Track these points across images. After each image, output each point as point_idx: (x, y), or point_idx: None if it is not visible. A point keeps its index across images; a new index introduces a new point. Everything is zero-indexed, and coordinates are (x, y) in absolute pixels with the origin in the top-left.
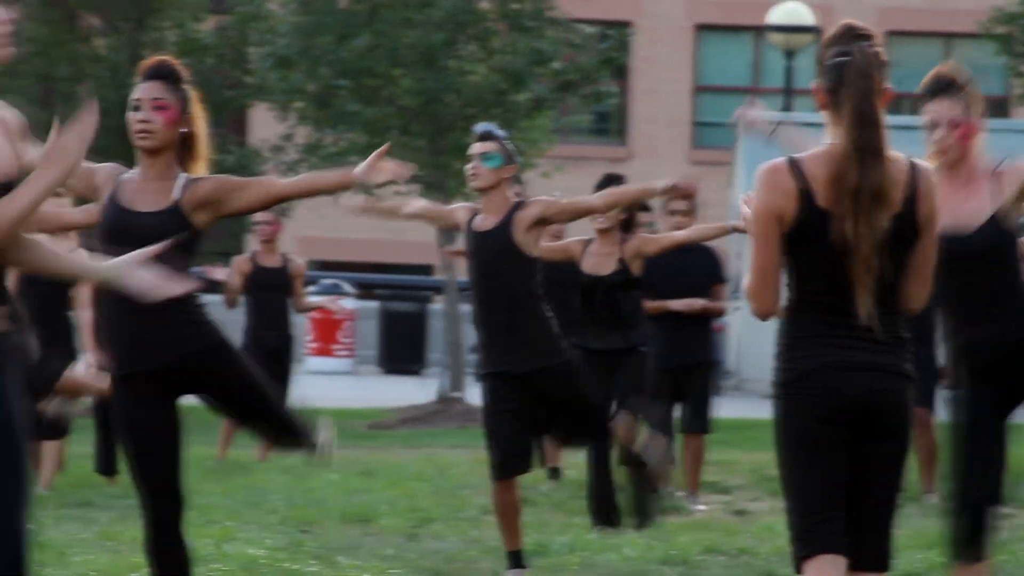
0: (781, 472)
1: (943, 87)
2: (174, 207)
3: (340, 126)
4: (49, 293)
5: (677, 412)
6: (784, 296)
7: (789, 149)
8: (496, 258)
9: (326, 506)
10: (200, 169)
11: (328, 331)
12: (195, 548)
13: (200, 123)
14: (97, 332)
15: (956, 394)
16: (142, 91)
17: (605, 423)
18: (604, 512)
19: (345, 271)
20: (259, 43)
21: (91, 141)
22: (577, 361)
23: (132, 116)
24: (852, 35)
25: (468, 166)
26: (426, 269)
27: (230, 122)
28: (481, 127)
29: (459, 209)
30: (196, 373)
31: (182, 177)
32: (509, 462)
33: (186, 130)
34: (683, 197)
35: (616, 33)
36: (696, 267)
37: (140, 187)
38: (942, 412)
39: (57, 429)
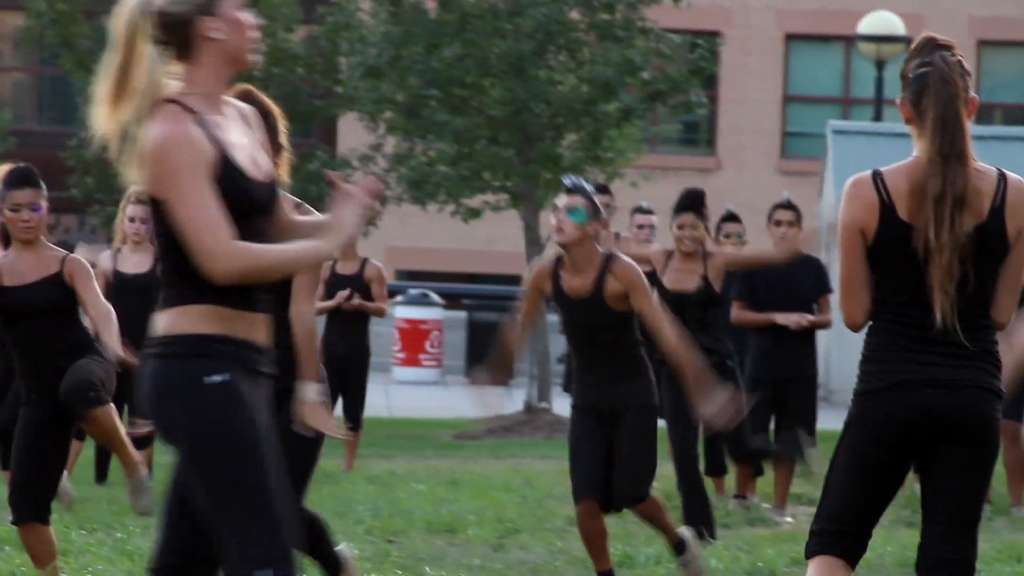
0: (829, 467)
1: None
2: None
3: (429, 136)
4: (134, 302)
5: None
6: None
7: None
8: (593, 324)
9: (412, 516)
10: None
11: (415, 341)
12: None
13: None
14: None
15: None
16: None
17: (644, 482)
18: (697, 521)
19: (433, 281)
20: (349, 53)
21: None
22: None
23: (247, 17)
24: (933, 46)
25: (553, 219)
26: (514, 279)
27: (319, 132)
28: (569, 180)
29: (536, 276)
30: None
31: None
32: (584, 487)
33: None
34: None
35: (706, 43)
36: (801, 278)
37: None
38: None
39: (143, 439)
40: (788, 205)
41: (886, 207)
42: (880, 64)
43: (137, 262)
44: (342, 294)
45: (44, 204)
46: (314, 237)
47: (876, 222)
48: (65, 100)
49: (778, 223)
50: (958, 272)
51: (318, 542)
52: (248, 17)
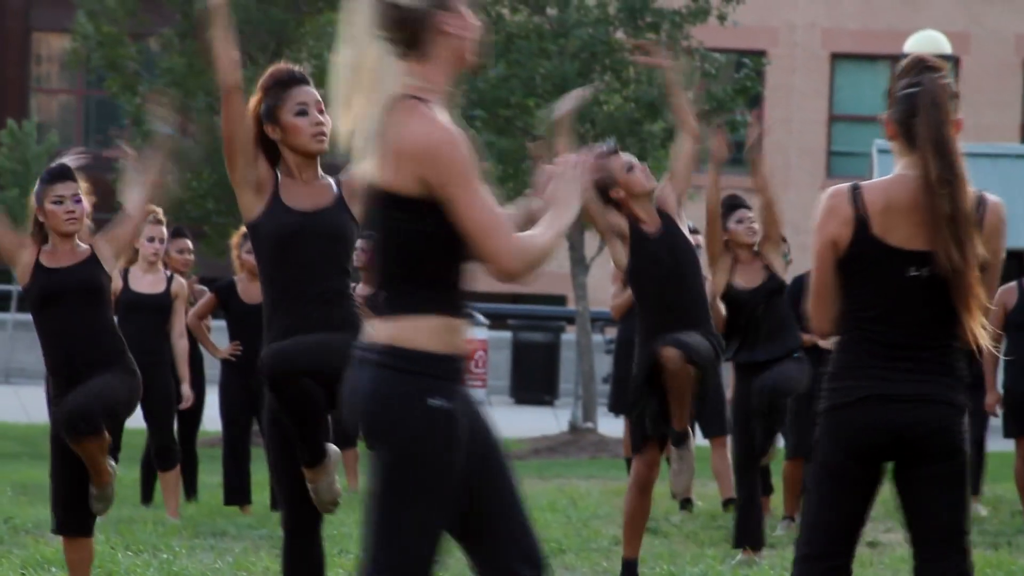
0: (804, 490)
1: None
2: (340, 201)
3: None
4: (146, 322)
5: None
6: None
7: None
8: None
9: None
10: None
11: None
12: None
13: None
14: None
15: None
16: (309, 95)
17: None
18: (748, 535)
19: (477, 301)
20: None
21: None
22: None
23: (304, 120)
24: (922, 67)
25: (639, 174)
26: (559, 299)
27: None
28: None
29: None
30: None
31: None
32: (640, 435)
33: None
34: None
35: (751, 62)
36: None
37: (301, 189)
38: None
39: (171, 459)
40: None
41: (860, 222)
42: None
43: (151, 282)
44: None
45: (84, 198)
46: (532, 223)
47: (849, 236)
48: (111, 122)
49: None
50: (984, 292)
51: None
52: (473, 15)
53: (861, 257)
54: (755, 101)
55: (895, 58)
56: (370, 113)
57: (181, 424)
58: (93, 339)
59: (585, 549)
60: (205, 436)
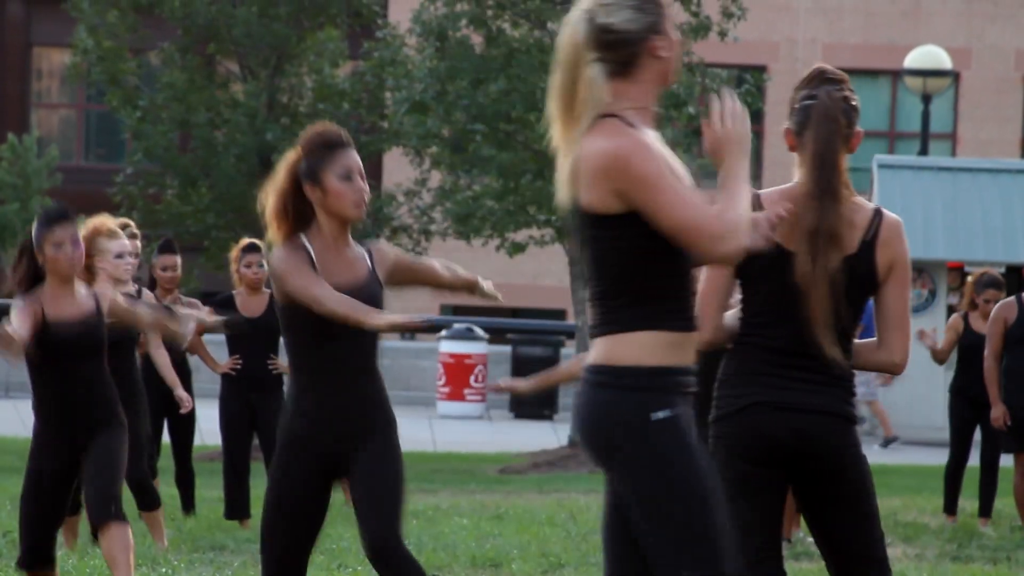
0: None
1: None
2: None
3: (474, 170)
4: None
5: None
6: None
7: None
8: None
9: (456, 551)
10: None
11: (460, 375)
12: None
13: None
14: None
15: None
16: (354, 161)
17: None
18: None
19: (477, 316)
20: (395, 88)
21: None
22: None
23: (349, 186)
24: (822, 79)
25: None
26: (558, 314)
27: (365, 166)
28: None
29: None
30: None
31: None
32: None
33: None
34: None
35: (752, 77)
36: None
37: (337, 259)
38: None
39: (152, 498)
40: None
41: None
42: (926, 98)
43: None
44: None
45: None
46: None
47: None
48: (112, 137)
49: (987, 301)
50: (834, 305)
51: None
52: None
53: (758, 261)
54: (756, 117)
55: (896, 73)
56: (577, 134)
57: (175, 441)
58: (92, 395)
59: (584, 564)
60: (205, 450)
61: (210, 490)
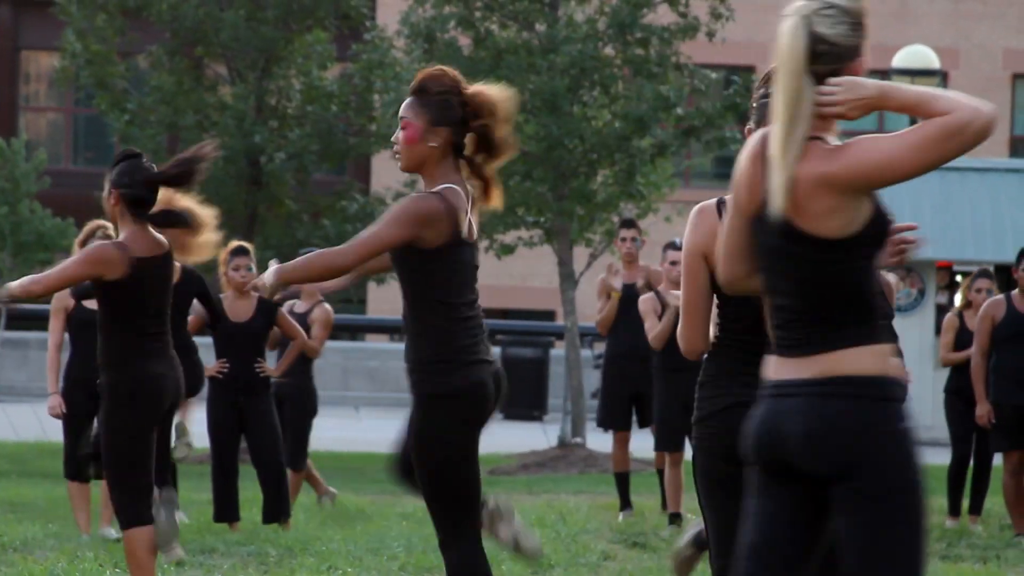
0: (701, 509)
1: None
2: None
3: None
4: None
5: None
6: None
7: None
8: None
9: None
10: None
11: None
12: None
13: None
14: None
15: None
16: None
17: None
18: None
19: None
20: (383, 90)
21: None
22: None
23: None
24: None
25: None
26: (548, 315)
27: (354, 169)
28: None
29: None
30: None
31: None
32: None
33: (435, 144)
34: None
35: (741, 78)
36: None
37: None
38: None
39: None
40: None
41: None
42: None
43: None
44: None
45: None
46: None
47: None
48: (100, 140)
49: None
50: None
51: None
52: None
53: None
54: (744, 117)
55: (884, 73)
56: (794, 149)
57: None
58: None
59: (574, 564)
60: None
61: (200, 493)
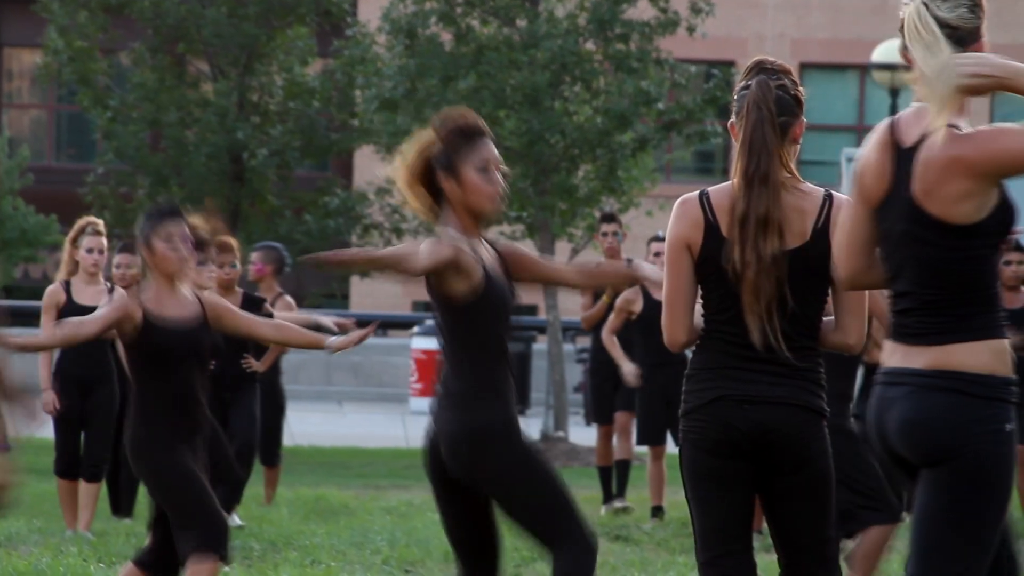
0: (688, 502)
1: None
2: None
3: None
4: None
5: None
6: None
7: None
8: None
9: (429, 546)
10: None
11: (432, 372)
12: None
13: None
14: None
15: None
16: (493, 154)
17: None
18: None
19: None
20: (365, 86)
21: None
22: None
23: (486, 178)
24: (759, 69)
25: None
26: (530, 309)
27: (335, 165)
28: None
29: None
30: None
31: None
32: None
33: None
34: None
35: (721, 72)
36: None
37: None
38: None
39: (98, 473)
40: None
41: (710, 224)
42: (894, 92)
43: (93, 294)
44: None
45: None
46: None
47: (701, 239)
48: (83, 136)
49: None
50: (769, 292)
51: None
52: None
53: (713, 258)
54: (725, 111)
55: (864, 68)
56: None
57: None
58: None
59: None
60: None
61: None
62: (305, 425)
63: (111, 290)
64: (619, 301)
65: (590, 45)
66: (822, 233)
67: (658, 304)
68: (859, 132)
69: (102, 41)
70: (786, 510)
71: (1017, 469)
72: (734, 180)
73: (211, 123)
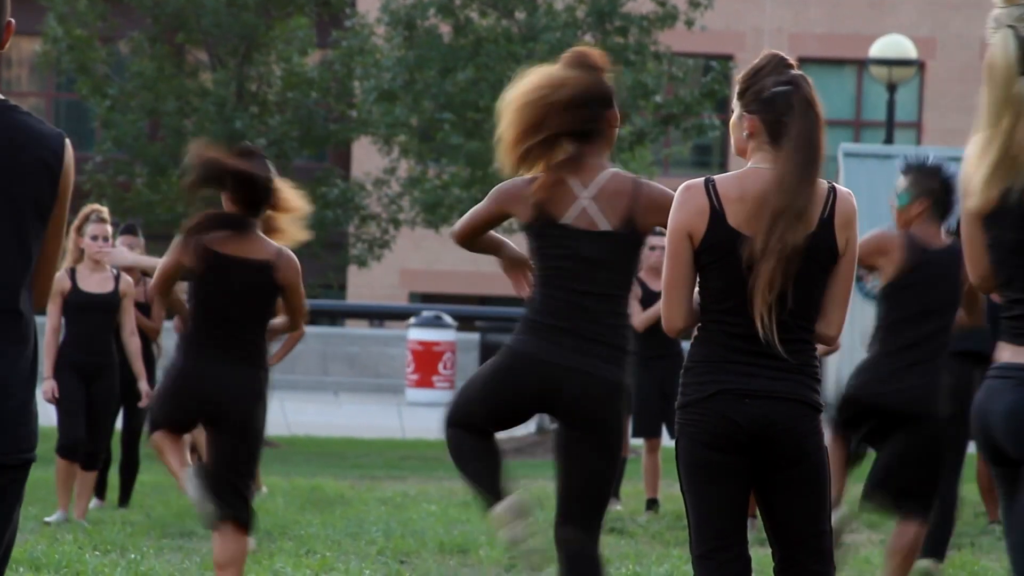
0: (683, 496)
1: None
2: None
3: (443, 159)
4: (95, 322)
5: None
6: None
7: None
8: None
9: (424, 537)
10: None
11: (429, 363)
12: None
13: None
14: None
15: None
16: None
17: None
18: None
19: (446, 303)
20: (363, 77)
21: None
22: None
23: None
24: (785, 65)
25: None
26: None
27: (333, 156)
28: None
29: None
30: None
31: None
32: None
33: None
34: None
35: (719, 66)
36: None
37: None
38: None
39: (95, 461)
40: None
41: (716, 212)
42: (892, 87)
43: (98, 281)
44: None
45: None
46: None
47: (704, 226)
48: (81, 125)
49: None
50: (779, 283)
51: None
52: None
53: (716, 247)
54: (722, 105)
55: (861, 63)
56: (1001, 152)
57: (126, 428)
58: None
59: (551, 550)
60: None
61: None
62: (301, 415)
63: (118, 277)
64: None
65: (588, 38)
66: (827, 224)
67: (655, 295)
68: (856, 127)
69: (101, 29)
70: (782, 504)
71: (979, 462)
72: (760, 170)
73: (209, 113)
